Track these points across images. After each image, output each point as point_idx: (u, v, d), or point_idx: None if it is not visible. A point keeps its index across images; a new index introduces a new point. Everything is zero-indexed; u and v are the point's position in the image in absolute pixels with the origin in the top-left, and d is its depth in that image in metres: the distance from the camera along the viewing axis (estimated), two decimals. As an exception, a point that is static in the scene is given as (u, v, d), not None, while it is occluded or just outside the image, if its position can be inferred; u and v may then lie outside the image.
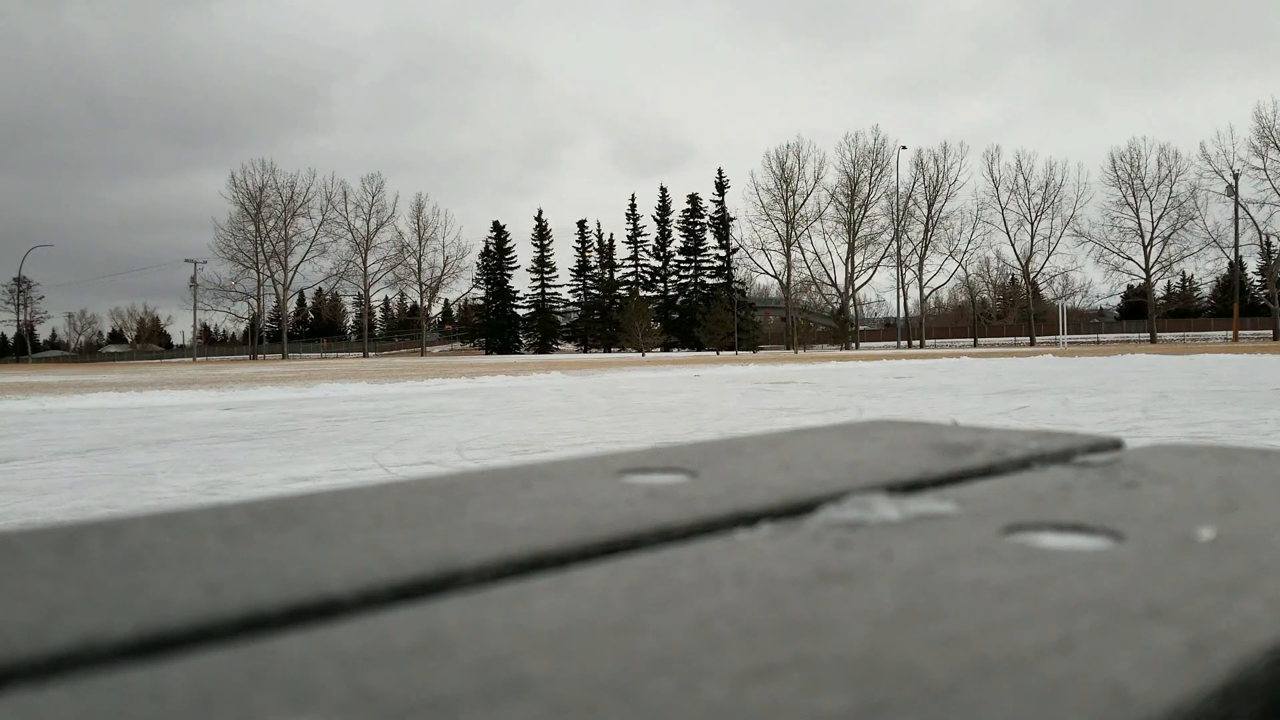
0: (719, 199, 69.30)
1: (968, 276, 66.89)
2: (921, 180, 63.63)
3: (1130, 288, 67.07)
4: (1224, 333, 60.06)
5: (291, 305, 79.84)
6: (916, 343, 62.69)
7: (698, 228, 70.28)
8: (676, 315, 69.30)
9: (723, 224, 69.03)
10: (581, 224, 74.16)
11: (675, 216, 71.39)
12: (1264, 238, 53.69)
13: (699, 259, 70.54)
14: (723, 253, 69.25)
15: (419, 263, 69.60)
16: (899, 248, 63.31)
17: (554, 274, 75.48)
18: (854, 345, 61.36)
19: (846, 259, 64.14)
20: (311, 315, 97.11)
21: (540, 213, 74.94)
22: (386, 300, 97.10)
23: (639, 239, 72.69)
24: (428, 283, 70.29)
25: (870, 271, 64.80)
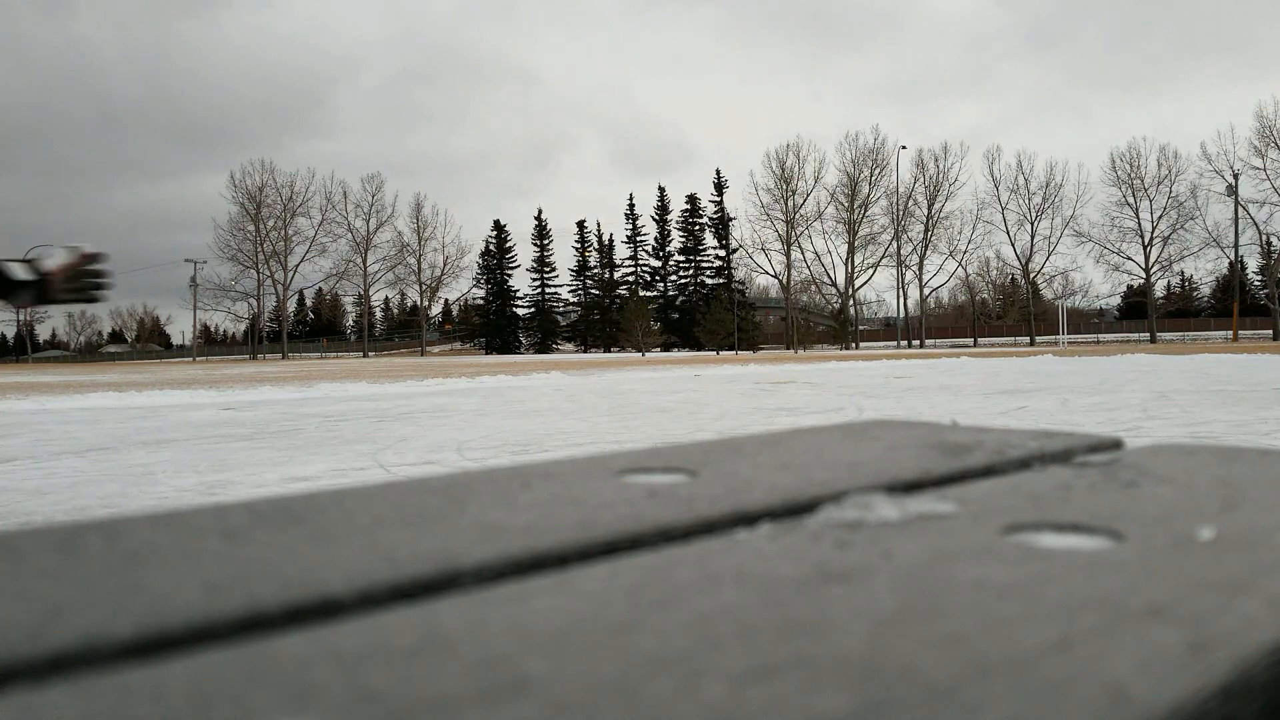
0: (717, 199, 69.34)
1: (968, 276, 66.96)
2: (921, 180, 63.66)
3: (1130, 288, 67.08)
4: (1224, 333, 60.02)
5: (291, 305, 79.79)
6: (916, 343, 62.67)
7: (697, 228, 70.32)
8: (676, 315, 69.32)
9: (722, 224, 69.05)
10: (581, 224, 74.20)
11: (674, 216, 71.47)
12: (1264, 237, 53.70)
13: (699, 259, 70.57)
14: (722, 253, 69.28)
15: (419, 263, 69.59)
16: (899, 248, 63.34)
17: (554, 274, 75.51)
18: (854, 345, 61.33)
19: (846, 259, 64.15)
20: (311, 315, 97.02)
21: (540, 213, 75.02)
22: (386, 300, 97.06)
23: (638, 239, 72.71)
24: (428, 283, 70.28)
25: (870, 271, 64.82)
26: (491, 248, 74.83)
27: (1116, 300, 71.41)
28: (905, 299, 64.71)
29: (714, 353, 51.16)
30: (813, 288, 67.13)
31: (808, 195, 64.29)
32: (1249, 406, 5.08)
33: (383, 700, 0.24)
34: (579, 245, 73.87)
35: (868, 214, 63.86)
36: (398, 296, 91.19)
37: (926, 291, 65.65)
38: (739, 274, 69.37)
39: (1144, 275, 58.33)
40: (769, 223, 64.74)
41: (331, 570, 0.37)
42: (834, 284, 65.52)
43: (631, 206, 72.06)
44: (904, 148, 64.32)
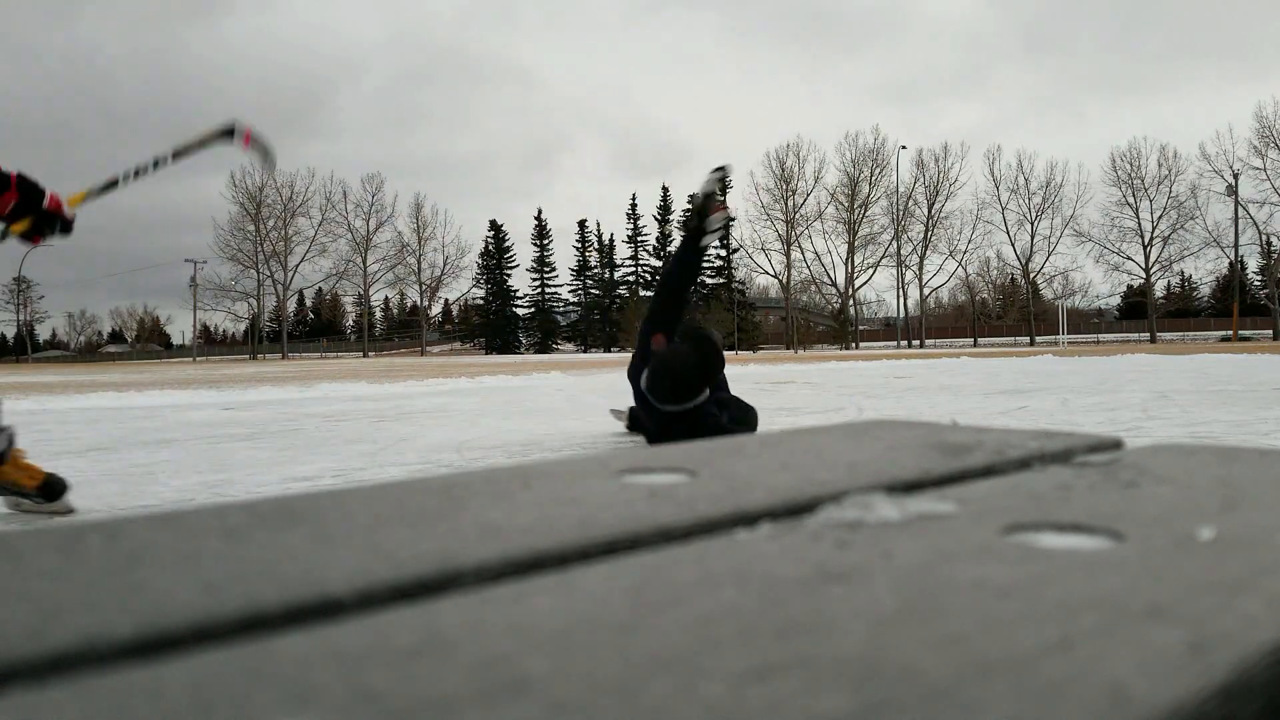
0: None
1: (968, 276, 66.96)
2: (922, 180, 63.63)
3: (1130, 288, 67.05)
4: (1224, 332, 60.00)
5: (291, 305, 79.59)
6: (916, 343, 62.65)
7: (698, 228, 70.25)
8: (676, 315, 69.26)
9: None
10: (582, 224, 74.24)
11: (676, 216, 71.46)
12: (1264, 237, 53.74)
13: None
14: (723, 253, 69.26)
15: (419, 262, 69.52)
16: (899, 248, 63.34)
17: (554, 274, 75.52)
18: (854, 345, 61.33)
19: (846, 259, 64.14)
20: (311, 315, 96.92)
21: (540, 212, 74.99)
22: (386, 300, 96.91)
23: (639, 239, 72.75)
24: (428, 282, 70.21)
25: (870, 271, 64.79)
26: (491, 247, 74.86)
27: (1116, 300, 71.43)
28: (905, 299, 64.74)
29: (714, 353, 51.04)
30: (813, 288, 67.15)
31: (808, 195, 64.28)
32: (1249, 406, 5.08)
33: (383, 700, 0.24)
34: (579, 245, 73.91)
35: (868, 214, 63.85)
36: (398, 296, 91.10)
37: (926, 291, 65.67)
38: (739, 274, 69.38)
39: (1144, 275, 58.35)
40: (769, 223, 64.75)
41: (331, 570, 0.37)
42: (834, 284, 65.53)
43: (634, 206, 72.15)
44: (904, 148, 64.28)
